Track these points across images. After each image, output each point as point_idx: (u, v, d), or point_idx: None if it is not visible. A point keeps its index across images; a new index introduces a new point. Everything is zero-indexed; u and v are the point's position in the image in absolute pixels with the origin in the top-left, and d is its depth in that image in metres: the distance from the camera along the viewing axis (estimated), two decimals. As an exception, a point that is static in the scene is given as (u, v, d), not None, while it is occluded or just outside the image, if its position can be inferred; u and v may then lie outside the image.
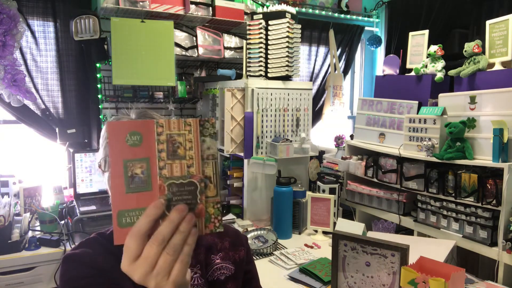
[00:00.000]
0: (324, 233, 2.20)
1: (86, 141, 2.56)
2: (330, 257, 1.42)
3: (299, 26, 2.40)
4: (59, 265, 1.90)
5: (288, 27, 2.30)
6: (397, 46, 3.25)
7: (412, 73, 2.27)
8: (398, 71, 2.40)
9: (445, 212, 1.87)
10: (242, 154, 2.32)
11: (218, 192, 0.60)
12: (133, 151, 0.56)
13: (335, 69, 3.34)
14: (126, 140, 0.56)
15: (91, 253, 0.87)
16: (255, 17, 2.38)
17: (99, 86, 2.48)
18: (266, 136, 2.34)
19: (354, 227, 1.93)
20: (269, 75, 2.36)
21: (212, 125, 0.59)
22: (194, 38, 2.61)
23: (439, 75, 2.11)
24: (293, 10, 2.37)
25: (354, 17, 3.44)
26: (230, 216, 2.36)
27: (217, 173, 0.59)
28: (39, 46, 2.39)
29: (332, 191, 2.28)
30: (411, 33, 2.37)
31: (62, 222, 2.11)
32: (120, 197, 0.57)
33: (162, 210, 0.56)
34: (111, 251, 0.88)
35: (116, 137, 0.55)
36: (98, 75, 2.47)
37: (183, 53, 2.57)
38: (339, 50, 3.42)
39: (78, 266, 0.84)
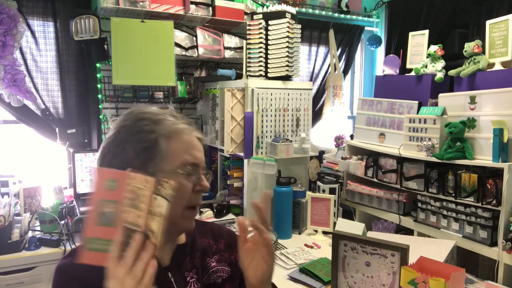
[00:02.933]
0: (324, 233, 2.20)
1: (86, 141, 2.56)
2: (330, 257, 1.42)
3: (299, 26, 2.40)
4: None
5: (288, 27, 2.30)
6: (397, 46, 3.24)
7: (412, 73, 2.27)
8: (398, 71, 2.40)
9: (445, 212, 1.87)
10: (242, 154, 2.32)
11: (158, 242, 0.72)
12: (108, 193, 0.70)
13: (335, 69, 3.34)
14: (105, 184, 0.70)
15: (83, 266, 0.87)
16: (255, 17, 2.38)
17: (99, 86, 2.48)
18: (266, 136, 2.34)
19: (354, 227, 1.93)
20: (269, 75, 2.36)
21: (170, 187, 0.73)
22: (194, 38, 2.61)
23: (439, 75, 2.11)
24: (293, 10, 2.37)
25: (354, 17, 3.44)
26: (230, 216, 2.36)
27: (160, 228, 0.72)
28: (39, 46, 2.39)
29: (332, 191, 2.28)
30: (411, 33, 2.37)
31: (62, 222, 2.11)
32: (90, 226, 0.71)
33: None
34: None
35: (100, 180, 0.70)
36: (98, 75, 2.47)
37: (183, 53, 2.57)
38: (339, 50, 3.42)
39: (67, 282, 0.86)
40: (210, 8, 2.56)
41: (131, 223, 0.70)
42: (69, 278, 0.86)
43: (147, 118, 0.89)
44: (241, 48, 2.69)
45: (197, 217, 2.26)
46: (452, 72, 2.05)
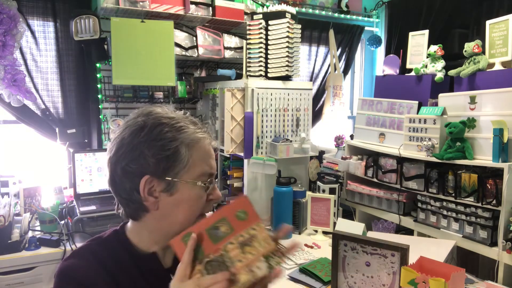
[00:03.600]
0: (324, 233, 2.20)
1: (86, 141, 2.56)
2: (330, 257, 1.42)
3: (299, 26, 2.40)
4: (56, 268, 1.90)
5: (288, 27, 2.30)
6: (397, 46, 3.24)
7: (412, 73, 2.27)
8: (398, 71, 2.40)
9: (445, 212, 1.87)
10: (242, 154, 2.32)
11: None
12: (232, 220, 0.74)
13: (335, 69, 3.34)
14: (236, 211, 0.74)
15: (84, 268, 0.87)
16: (255, 17, 2.38)
17: (99, 86, 2.48)
18: (266, 136, 2.34)
19: (354, 227, 1.93)
20: (269, 75, 2.36)
21: (278, 262, 0.74)
22: (194, 38, 2.61)
23: (439, 75, 2.11)
24: (293, 10, 2.37)
25: (354, 17, 3.44)
26: (230, 216, 2.36)
27: (246, 285, 0.73)
28: (39, 46, 2.39)
29: (332, 191, 2.28)
30: (411, 33, 2.37)
31: (62, 222, 2.11)
32: (199, 227, 0.75)
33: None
34: (103, 263, 0.88)
35: (236, 206, 0.75)
36: (98, 75, 2.47)
37: (183, 53, 2.57)
38: (339, 50, 3.42)
39: (70, 285, 0.85)
40: (210, 8, 2.56)
41: (230, 258, 0.72)
42: (71, 281, 0.86)
43: (167, 124, 0.86)
44: (241, 48, 2.69)
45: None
46: (452, 72, 2.05)
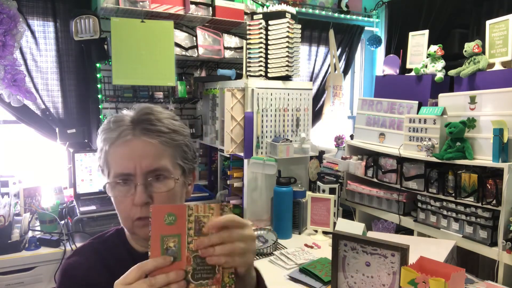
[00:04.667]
0: (324, 233, 2.20)
1: (86, 141, 2.56)
2: (330, 257, 1.42)
3: (299, 26, 2.40)
4: (58, 265, 1.90)
5: (288, 27, 2.30)
6: (397, 46, 3.24)
7: (412, 73, 2.27)
8: (398, 71, 2.40)
9: (445, 212, 1.87)
10: (242, 154, 2.32)
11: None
12: (169, 228, 0.69)
13: (335, 69, 3.34)
14: (164, 220, 0.68)
15: (86, 266, 0.88)
16: (255, 17, 2.38)
17: (99, 86, 2.48)
18: (266, 136, 2.34)
19: (354, 227, 1.93)
20: (269, 75, 2.36)
21: (229, 209, 0.71)
22: (194, 38, 2.61)
23: (439, 75, 2.11)
24: (293, 10, 2.37)
25: (354, 17, 3.44)
26: (230, 216, 2.35)
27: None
28: (39, 46, 2.38)
29: (332, 191, 2.28)
30: (411, 33, 2.37)
31: (62, 222, 2.11)
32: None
33: (181, 278, 0.67)
34: (105, 261, 0.89)
35: (157, 217, 0.68)
36: (98, 75, 2.47)
37: (183, 53, 2.57)
38: (339, 50, 3.42)
39: (73, 284, 0.86)
40: (210, 8, 2.56)
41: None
42: (73, 279, 0.87)
43: (101, 127, 0.90)
44: (241, 48, 2.69)
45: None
46: (452, 72, 2.05)
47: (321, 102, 3.38)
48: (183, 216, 0.69)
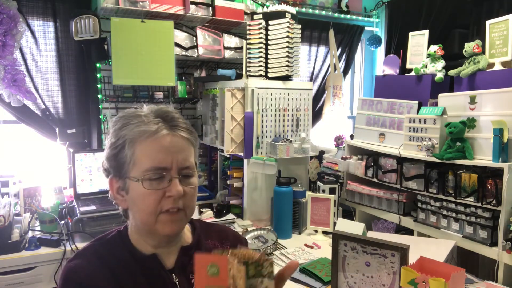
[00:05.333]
0: (324, 233, 2.20)
1: (86, 141, 2.56)
2: (330, 257, 1.42)
3: (299, 26, 2.40)
4: (58, 265, 1.90)
5: (288, 27, 2.30)
6: (397, 46, 3.24)
7: (412, 73, 2.27)
8: (398, 71, 2.40)
9: (445, 212, 1.87)
10: (242, 154, 2.32)
11: None
12: (212, 280, 0.66)
13: (335, 69, 3.34)
14: (207, 270, 0.66)
15: (87, 269, 0.87)
16: (255, 17, 2.38)
17: (99, 86, 2.48)
18: (266, 136, 2.34)
19: (354, 227, 1.93)
20: (269, 75, 2.36)
21: (270, 264, 0.69)
22: (194, 38, 2.61)
23: (439, 75, 2.11)
24: (293, 10, 2.37)
25: (354, 17, 3.44)
26: (230, 216, 2.36)
27: None
28: (39, 46, 2.38)
29: (332, 191, 2.28)
30: (411, 33, 2.37)
31: (62, 222, 2.10)
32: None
33: None
34: (107, 264, 0.88)
35: (200, 266, 0.66)
36: (98, 75, 2.47)
37: (183, 53, 2.57)
38: (339, 50, 3.42)
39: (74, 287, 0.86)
40: (210, 8, 2.56)
41: None
42: (75, 283, 0.86)
43: (119, 122, 0.88)
44: (241, 48, 2.69)
45: (197, 217, 2.26)
46: (452, 72, 2.05)
47: (321, 102, 3.39)
48: (225, 268, 0.67)
